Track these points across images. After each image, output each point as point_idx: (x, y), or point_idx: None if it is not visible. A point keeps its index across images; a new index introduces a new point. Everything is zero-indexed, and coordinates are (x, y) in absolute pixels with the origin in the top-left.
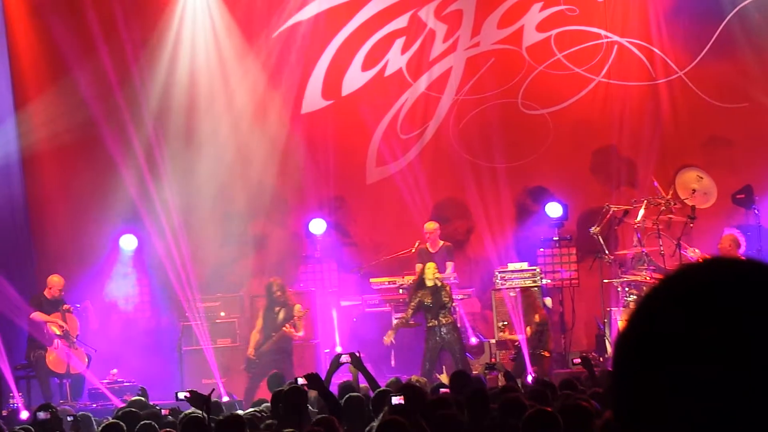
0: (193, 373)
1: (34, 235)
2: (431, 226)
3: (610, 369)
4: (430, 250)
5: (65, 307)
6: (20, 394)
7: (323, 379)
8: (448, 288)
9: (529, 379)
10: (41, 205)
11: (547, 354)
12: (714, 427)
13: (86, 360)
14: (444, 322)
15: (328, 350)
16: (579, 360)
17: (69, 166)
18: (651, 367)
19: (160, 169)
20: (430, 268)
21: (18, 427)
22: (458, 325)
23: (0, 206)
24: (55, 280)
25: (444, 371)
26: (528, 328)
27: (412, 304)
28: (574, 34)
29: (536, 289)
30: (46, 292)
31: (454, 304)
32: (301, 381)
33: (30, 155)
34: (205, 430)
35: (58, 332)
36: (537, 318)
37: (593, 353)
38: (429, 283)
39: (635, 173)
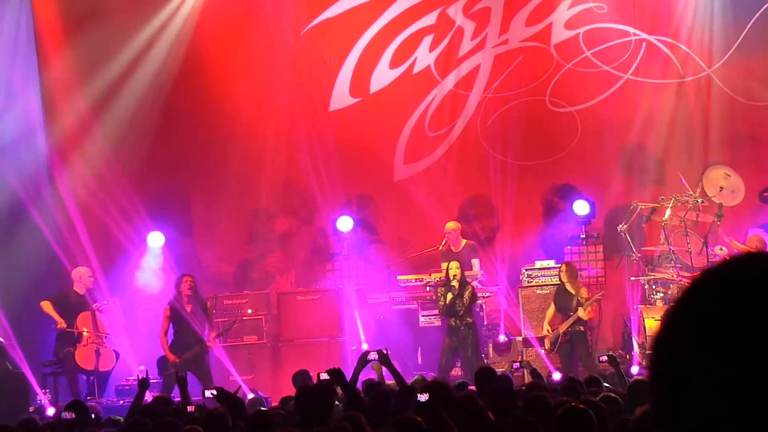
0: (221, 370)
1: (61, 229)
2: (451, 225)
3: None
4: (453, 249)
5: (96, 306)
6: (46, 391)
7: (350, 376)
8: (470, 288)
9: (556, 376)
10: (68, 201)
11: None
12: (725, 424)
13: (115, 359)
14: (462, 322)
15: (354, 348)
16: (605, 358)
17: (97, 161)
18: (664, 365)
19: (186, 163)
20: (452, 268)
21: (44, 425)
22: (476, 326)
23: (27, 202)
24: (79, 271)
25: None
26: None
27: (440, 303)
28: (603, 31)
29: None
30: (76, 287)
31: (479, 301)
32: (323, 376)
33: (57, 149)
34: (228, 427)
35: (86, 332)
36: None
37: (620, 351)
38: (452, 283)
39: (663, 171)
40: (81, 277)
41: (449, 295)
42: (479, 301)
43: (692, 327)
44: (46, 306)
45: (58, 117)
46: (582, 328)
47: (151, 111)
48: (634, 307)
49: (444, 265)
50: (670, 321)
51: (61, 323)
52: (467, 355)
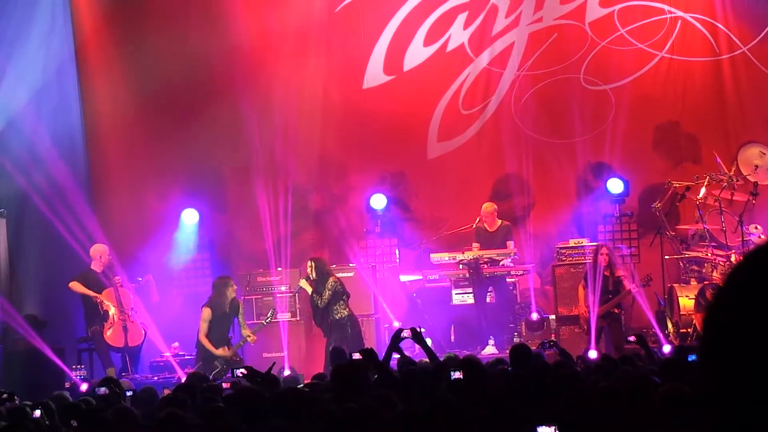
0: (255, 346)
1: (97, 208)
2: (489, 207)
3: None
4: (488, 229)
5: (116, 279)
6: (81, 366)
7: (384, 354)
8: (330, 281)
9: (592, 354)
10: (104, 179)
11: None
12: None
13: (143, 333)
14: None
15: (387, 325)
16: (634, 338)
17: (132, 140)
18: (702, 340)
19: (221, 140)
20: (309, 266)
21: (78, 401)
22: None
23: (64, 181)
24: (99, 248)
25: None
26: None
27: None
28: (638, 9)
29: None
30: (93, 266)
31: (510, 279)
32: (356, 356)
33: (94, 128)
34: (260, 403)
35: (112, 309)
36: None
37: (652, 330)
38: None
39: (697, 149)
40: (101, 255)
41: (309, 288)
42: (511, 279)
43: (728, 302)
44: (76, 286)
45: (95, 100)
46: (617, 311)
47: (186, 88)
48: (668, 285)
49: (475, 246)
50: (713, 297)
51: (99, 297)
52: (327, 349)
